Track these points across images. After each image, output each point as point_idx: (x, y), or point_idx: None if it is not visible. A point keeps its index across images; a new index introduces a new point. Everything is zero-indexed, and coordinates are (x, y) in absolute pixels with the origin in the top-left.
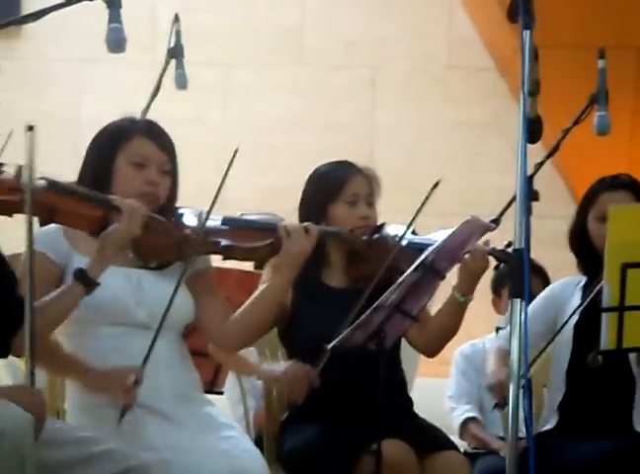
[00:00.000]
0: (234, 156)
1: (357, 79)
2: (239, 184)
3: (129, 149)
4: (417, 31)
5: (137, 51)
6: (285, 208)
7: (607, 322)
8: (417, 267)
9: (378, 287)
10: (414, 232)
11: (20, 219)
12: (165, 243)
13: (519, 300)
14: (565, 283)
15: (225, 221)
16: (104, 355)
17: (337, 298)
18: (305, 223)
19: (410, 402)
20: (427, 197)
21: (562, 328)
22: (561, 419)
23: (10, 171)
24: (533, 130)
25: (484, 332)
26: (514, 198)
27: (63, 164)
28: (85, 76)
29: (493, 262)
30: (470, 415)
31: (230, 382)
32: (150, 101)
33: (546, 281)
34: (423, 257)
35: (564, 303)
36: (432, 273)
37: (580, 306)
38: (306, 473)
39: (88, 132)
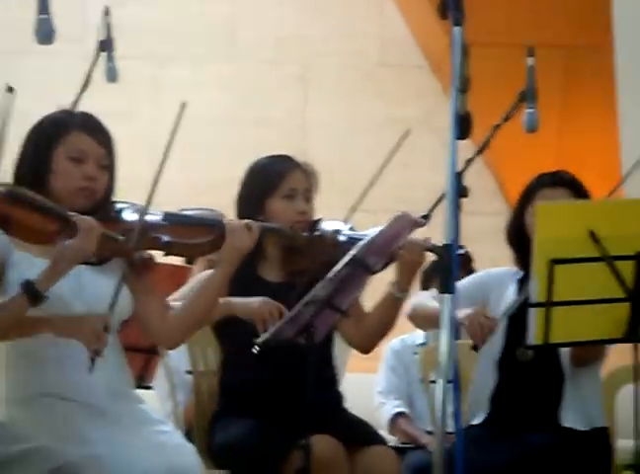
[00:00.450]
0: (181, 112)
1: (289, 75)
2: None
3: (67, 144)
4: (349, 28)
5: (68, 44)
6: (218, 204)
7: (535, 317)
8: (347, 262)
9: (315, 283)
10: (352, 228)
11: None
12: (118, 254)
13: (448, 296)
14: (502, 272)
15: (167, 217)
16: (41, 350)
17: (273, 292)
18: (247, 220)
19: (340, 397)
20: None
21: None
22: (491, 411)
23: None
24: (463, 127)
25: (414, 327)
26: (444, 195)
27: None
28: (13, 69)
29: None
30: (399, 410)
31: (159, 377)
32: (79, 94)
33: None
34: (353, 252)
35: (497, 291)
36: (362, 268)
37: (518, 300)
38: (236, 467)
39: (16, 126)
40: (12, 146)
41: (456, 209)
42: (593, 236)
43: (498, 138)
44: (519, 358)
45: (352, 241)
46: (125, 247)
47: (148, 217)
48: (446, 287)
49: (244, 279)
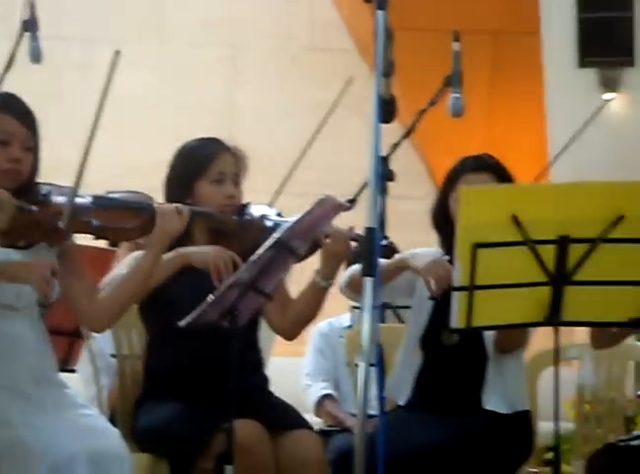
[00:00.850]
0: (114, 61)
1: (218, 58)
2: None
3: None
4: (278, 11)
5: None
6: (148, 186)
7: (458, 301)
8: (271, 245)
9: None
10: (279, 213)
11: None
12: (33, 227)
13: (370, 279)
14: (430, 253)
15: (96, 200)
16: None
17: (202, 275)
18: (177, 204)
19: (266, 380)
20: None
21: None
22: (415, 392)
23: None
24: (387, 111)
25: (340, 311)
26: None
27: None
28: None
29: None
30: (326, 392)
31: (83, 360)
32: (2, 75)
33: None
34: (277, 235)
35: None
36: (286, 251)
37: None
38: (160, 451)
39: None
40: None
41: (378, 193)
42: (515, 220)
43: (426, 123)
44: (444, 342)
45: (278, 226)
46: (53, 228)
47: (78, 200)
48: (368, 270)
49: None
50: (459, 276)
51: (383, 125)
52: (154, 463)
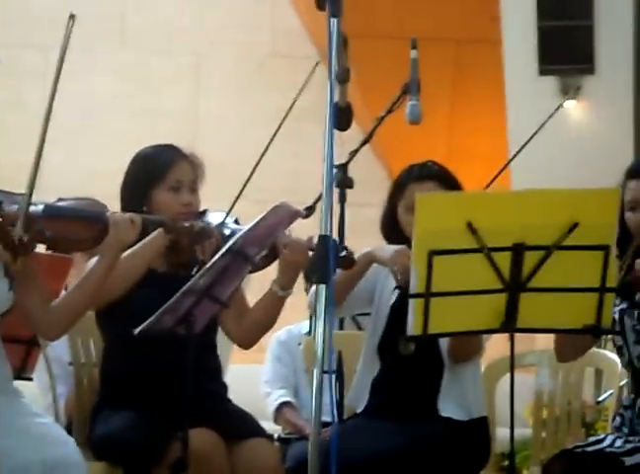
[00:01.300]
0: (69, 25)
1: (181, 65)
2: (57, 167)
3: None
4: (241, 19)
5: None
6: (105, 193)
7: (414, 308)
8: (226, 251)
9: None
10: (237, 221)
11: None
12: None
13: (323, 286)
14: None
15: (47, 210)
16: None
17: (162, 282)
18: (130, 214)
19: (224, 388)
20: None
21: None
22: (372, 400)
23: None
24: (344, 118)
25: (299, 318)
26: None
27: None
28: None
29: None
30: (284, 399)
31: (40, 368)
32: None
33: None
34: (231, 242)
35: (382, 281)
36: (241, 258)
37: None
38: (115, 459)
39: None
40: None
41: (341, 201)
42: (471, 227)
43: (387, 129)
44: (401, 352)
45: (235, 233)
46: (8, 237)
47: (31, 208)
48: (322, 278)
49: None
50: (415, 284)
51: (346, 132)
52: (110, 472)
